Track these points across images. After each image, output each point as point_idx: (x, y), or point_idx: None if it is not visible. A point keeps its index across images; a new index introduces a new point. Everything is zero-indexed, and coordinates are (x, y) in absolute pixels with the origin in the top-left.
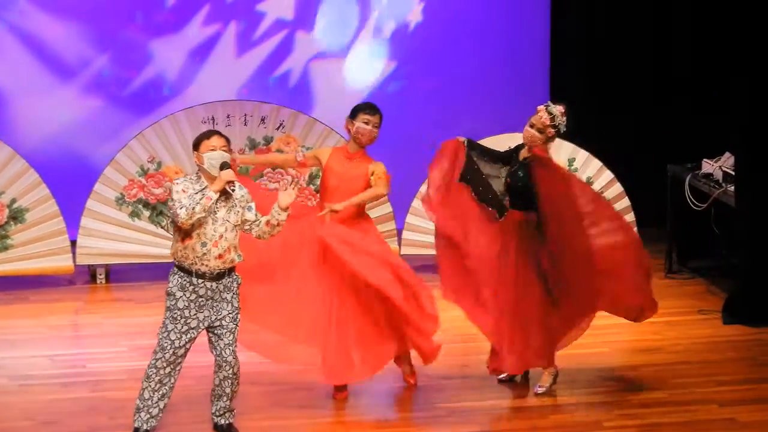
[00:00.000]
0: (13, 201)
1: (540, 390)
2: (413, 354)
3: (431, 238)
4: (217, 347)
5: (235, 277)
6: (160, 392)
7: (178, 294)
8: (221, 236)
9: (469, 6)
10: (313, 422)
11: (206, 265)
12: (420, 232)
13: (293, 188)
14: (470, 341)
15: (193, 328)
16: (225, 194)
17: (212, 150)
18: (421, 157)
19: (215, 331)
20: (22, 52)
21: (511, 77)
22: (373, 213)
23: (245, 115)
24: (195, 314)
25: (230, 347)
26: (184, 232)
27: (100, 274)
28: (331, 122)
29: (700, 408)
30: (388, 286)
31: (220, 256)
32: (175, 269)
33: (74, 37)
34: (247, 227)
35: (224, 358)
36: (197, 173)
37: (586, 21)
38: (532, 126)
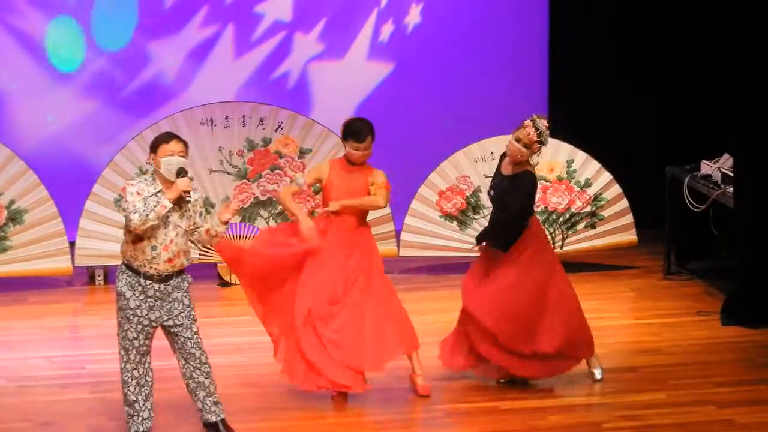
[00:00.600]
0: (12, 202)
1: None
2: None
3: (429, 240)
4: (177, 343)
5: (184, 276)
6: (143, 394)
7: (128, 293)
8: (172, 241)
9: (468, 8)
10: (313, 423)
11: (155, 268)
12: (418, 233)
13: (234, 203)
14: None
15: (146, 326)
16: (179, 200)
17: (170, 155)
18: (419, 159)
19: (171, 331)
20: (20, 53)
21: (510, 79)
22: (372, 214)
23: (243, 116)
24: (146, 314)
25: (191, 340)
26: (135, 235)
27: (99, 276)
28: (329, 123)
29: (698, 409)
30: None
31: (169, 260)
32: (124, 267)
33: (73, 38)
34: (193, 235)
35: (187, 350)
36: (152, 175)
37: (585, 22)
38: (518, 141)
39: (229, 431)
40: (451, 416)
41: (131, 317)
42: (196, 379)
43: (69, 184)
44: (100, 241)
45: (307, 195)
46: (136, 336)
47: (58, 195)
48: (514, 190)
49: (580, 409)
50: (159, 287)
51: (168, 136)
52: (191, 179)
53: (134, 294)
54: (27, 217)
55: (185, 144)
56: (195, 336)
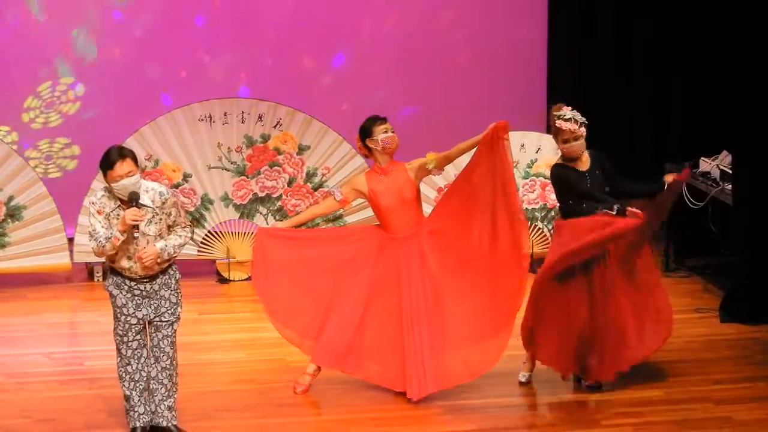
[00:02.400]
0: (11, 198)
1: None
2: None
3: None
4: (155, 339)
5: (172, 273)
6: (138, 389)
7: (115, 292)
8: (144, 249)
9: (466, 7)
10: (311, 420)
11: (135, 273)
12: None
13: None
14: None
15: (134, 324)
16: (130, 229)
17: (118, 180)
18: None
19: (154, 323)
20: (19, 49)
21: (508, 78)
22: (363, 214)
23: (242, 112)
24: (133, 312)
25: (168, 338)
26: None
27: (98, 272)
28: (328, 120)
29: (696, 406)
30: None
31: (145, 268)
32: (110, 268)
33: (72, 34)
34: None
35: (162, 349)
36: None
37: (583, 20)
38: (567, 141)
39: None
40: (449, 413)
41: (119, 315)
42: (160, 380)
43: (67, 181)
44: None
45: (307, 192)
46: (125, 333)
47: (56, 191)
48: (612, 173)
49: (578, 406)
50: (145, 287)
51: (111, 160)
52: (138, 206)
53: (121, 293)
54: (26, 213)
55: (131, 157)
56: (173, 335)
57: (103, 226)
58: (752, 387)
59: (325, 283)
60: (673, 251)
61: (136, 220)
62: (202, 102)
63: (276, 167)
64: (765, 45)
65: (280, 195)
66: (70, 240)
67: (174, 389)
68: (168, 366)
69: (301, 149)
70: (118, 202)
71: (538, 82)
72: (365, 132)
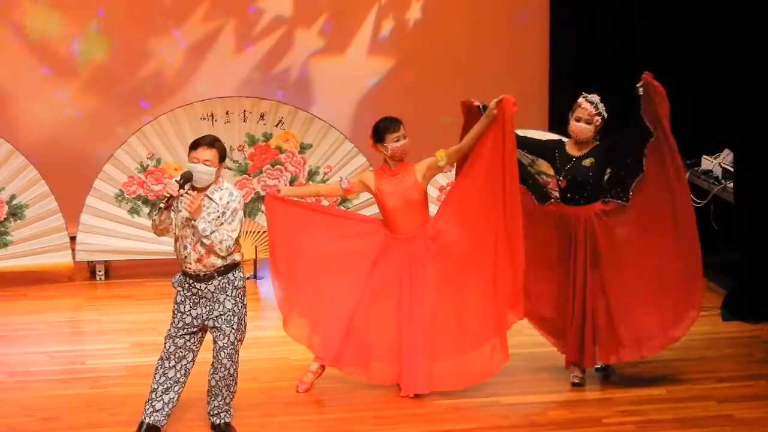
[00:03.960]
0: (13, 197)
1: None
2: None
3: None
4: (215, 348)
5: (232, 278)
6: (165, 385)
7: (177, 288)
8: (199, 240)
9: (469, 4)
10: (313, 418)
11: (189, 267)
12: None
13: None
14: None
15: (188, 324)
16: (171, 201)
17: (194, 162)
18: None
19: (213, 332)
20: (21, 49)
21: (509, 75)
22: (368, 211)
23: (244, 111)
24: (189, 310)
25: (225, 350)
26: (173, 234)
27: (100, 271)
28: (330, 119)
29: (698, 404)
30: None
31: (198, 260)
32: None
33: (73, 34)
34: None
35: (219, 361)
36: None
37: (585, 17)
38: (579, 120)
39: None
40: (452, 411)
41: (176, 312)
42: (218, 388)
43: (69, 179)
44: (101, 236)
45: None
46: (176, 331)
47: (58, 190)
48: (605, 160)
49: (580, 404)
50: (200, 287)
51: (196, 142)
52: (183, 184)
53: (181, 289)
54: (28, 212)
55: (219, 150)
56: (230, 346)
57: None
58: (754, 385)
59: (327, 273)
60: None
61: (170, 191)
62: (204, 101)
63: (278, 166)
64: (766, 41)
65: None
66: (72, 239)
67: (230, 397)
68: (225, 377)
69: (303, 148)
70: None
71: (540, 78)
72: (377, 136)
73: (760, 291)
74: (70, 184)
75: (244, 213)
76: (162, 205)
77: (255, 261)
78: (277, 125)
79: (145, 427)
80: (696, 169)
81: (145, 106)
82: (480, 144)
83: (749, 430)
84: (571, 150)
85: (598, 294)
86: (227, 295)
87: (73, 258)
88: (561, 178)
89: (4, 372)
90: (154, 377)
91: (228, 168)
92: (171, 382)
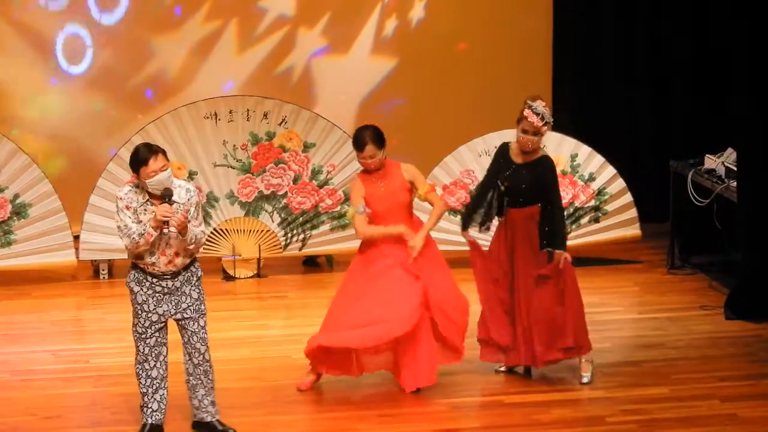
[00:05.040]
0: (17, 196)
1: (585, 380)
2: None
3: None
4: (184, 337)
5: (194, 270)
6: (153, 386)
7: (136, 288)
8: (167, 244)
9: (472, 3)
10: (317, 417)
11: (158, 269)
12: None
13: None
14: (473, 336)
15: (154, 322)
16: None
17: (153, 175)
18: (422, 154)
19: (180, 323)
20: (25, 48)
21: (513, 74)
22: None
23: (248, 110)
24: (154, 308)
25: (197, 335)
26: None
27: (103, 270)
28: (333, 118)
29: (701, 403)
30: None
31: (169, 262)
32: (131, 264)
33: (78, 33)
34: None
35: (193, 346)
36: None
37: (588, 16)
38: (526, 132)
39: (225, 428)
40: (455, 410)
41: (140, 312)
42: (197, 376)
43: (73, 178)
44: (105, 235)
45: (312, 189)
46: (144, 330)
47: (62, 189)
48: (539, 178)
49: (583, 403)
50: (167, 284)
51: (145, 155)
52: (171, 202)
53: (142, 289)
54: (31, 211)
55: (162, 152)
56: (201, 330)
57: (133, 222)
58: (757, 384)
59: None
60: (678, 248)
61: (167, 217)
62: (208, 100)
63: (281, 165)
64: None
65: (286, 192)
66: (76, 238)
67: (212, 384)
68: (201, 362)
69: (307, 147)
70: (147, 197)
71: (543, 78)
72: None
73: (762, 290)
74: (74, 183)
75: (249, 212)
76: (164, 231)
77: (258, 260)
78: (280, 124)
79: (149, 427)
80: (699, 168)
81: (149, 99)
82: None
83: (752, 429)
84: (515, 156)
85: (531, 292)
86: (192, 286)
87: (77, 257)
88: (501, 182)
89: (8, 371)
90: (140, 382)
91: (231, 167)
92: (157, 380)
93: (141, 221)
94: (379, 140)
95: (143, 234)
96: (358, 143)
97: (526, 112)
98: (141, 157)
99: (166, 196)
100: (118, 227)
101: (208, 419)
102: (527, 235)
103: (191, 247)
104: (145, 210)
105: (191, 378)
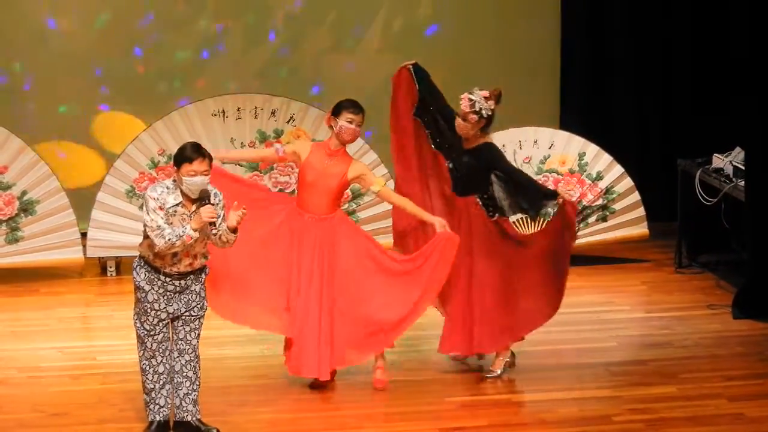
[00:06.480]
0: (24, 193)
1: (489, 375)
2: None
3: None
4: (181, 332)
5: (203, 267)
6: (159, 382)
7: (147, 287)
8: (192, 246)
9: (481, 2)
10: (324, 415)
11: (176, 270)
12: None
13: (241, 210)
14: None
15: (162, 320)
16: (199, 203)
17: (192, 175)
18: None
19: (183, 319)
20: (34, 45)
21: (521, 72)
22: (376, 209)
23: (255, 108)
24: (164, 307)
25: (195, 331)
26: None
27: (111, 267)
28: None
29: (708, 403)
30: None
31: (190, 264)
32: (142, 263)
33: (86, 29)
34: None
35: (188, 342)
36: (174, 182)
37: (596, 15)
38: (458, 116)
39: (207, 428)
40: (462, 408)
41: (149, 310)
42: (185, 374)
43: (81, 175)
44: (112, 232)
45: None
46: (152, 327)
47: (70, 186)
48: (481, 165)
49: (590, 402)
50: (178, 282)
51: (192, 154)
52: (212, 203)
53: (153, 288)
54: (39, 207)
55: (209, 159)
56: (200, 327)
57: (165, 223)
58: (764, 383)
59: (245, 251)
60: (686, 247)
61: (213, 218)
62: (216, 97)
63: (289, 163)
64: None
65: (294, 190)
66: (83, 235)
67: (198, 382)
68: (193, 358)
69: None
70: (179, 199)
71: (551, 76)
72: (336, 109)
73: None
74: (82, 180)
75: None
76: (213, 232)
77: None
78: (288, 122)
79: (156, 425)
80: (707, 167)
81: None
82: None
83: (760, 429)
84: (464, 142)
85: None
86: (201, 285)
87: (84, 254)
88: (447, 160)
89: (15, 367)
90: (147, 377)
91: (239, 165)
92: (164, 376)
93: (170, 223)
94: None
95: (182, 236)
96: (354, 106)
97: (462, 96)
98: (187, 154)
99: (203, 198)
100: (149, 227)
101: (188, 418)
102: (474, 226)
103: (226, 246)
104: (175, 212)
105: (178, 375)
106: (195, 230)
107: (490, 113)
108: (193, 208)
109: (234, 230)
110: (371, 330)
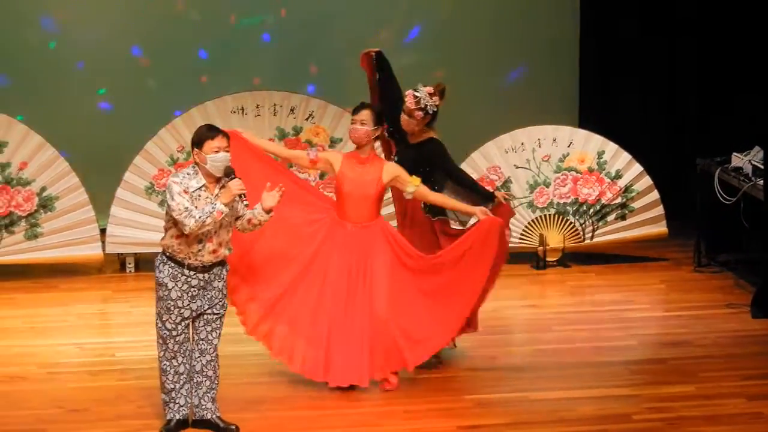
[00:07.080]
0: (43, 189)
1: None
2: None
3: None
4: (202, 332)
5: (224, 264)
6: (180, 381)
7: (170, 284)
8: (216, 232)
9: (500, 1)
10: (342, 413)
11: (200, 260)
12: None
13: (278, 191)
14: (498, 333)
15: (186, 318)
16: (233, 202)
17: (216, 152)
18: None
19: (204, 317)
20: (52, 42)
21: (541, 69)
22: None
23: (274, 105)
24: (188, 305)
25: (217, 331)
26: (181, 230)
27: (130, 263)
28: None
29: (727, 402)
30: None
31: (214, 251)
32: (165, 259)
33: (105, 26)
34: (237, 222)
35: (210, 342)
36: (194, 167)
37: (615, 14)
38: (404, 113)
39: (226, 425)
40: (480, 406)
41: (172, 308)
42: (205, 373)
43: (100, 172)
44: (131, 228)
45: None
46: (174, 327)
47: (89, 182)
48: (424, 160)
49: (609, 401)
50: (202, 276)
51: (212, 132)
52: (234, 178)
53: (177, 285)
54: (58, 204)
55: (228, 138)
56: (220, 327)
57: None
58: None
59: (279, 248)
60: (705, 247)
61: (243, 190)
62: (235, 94)
63: (318, 169)
64: None
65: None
66: (103, 231)
67: (217, 381)
68: (213, 358)
69: (333, 142)
70: (202, 182)
71: (570, 75)
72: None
73: None
74: (101, 176)
75: None
76: (242, 204)
77: None
78: (307, 119)
79: (175, 422)
80: (726, 166)
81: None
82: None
83: None
84: (411, 137)
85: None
86: (223, 282)
87: (103, 250)
88: (393, 157)
89: (34, 363)
90: (167, 377)
91: None
92: (184, 376)
93: (196, 207)
94: (378, 117)
95: (212, 212)
96: (357, 106)
97: (408, 92)
98: (208, 132)
99: (228, 174)
100: (176, 211)
101: (209, 416)
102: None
103: (256, 228)
104: (199, 196)
105: (198, 375)
106: (225, 204)
107: (435, 109)
108: (216, 190)
109: (269, 211)
110: (411, 341)
